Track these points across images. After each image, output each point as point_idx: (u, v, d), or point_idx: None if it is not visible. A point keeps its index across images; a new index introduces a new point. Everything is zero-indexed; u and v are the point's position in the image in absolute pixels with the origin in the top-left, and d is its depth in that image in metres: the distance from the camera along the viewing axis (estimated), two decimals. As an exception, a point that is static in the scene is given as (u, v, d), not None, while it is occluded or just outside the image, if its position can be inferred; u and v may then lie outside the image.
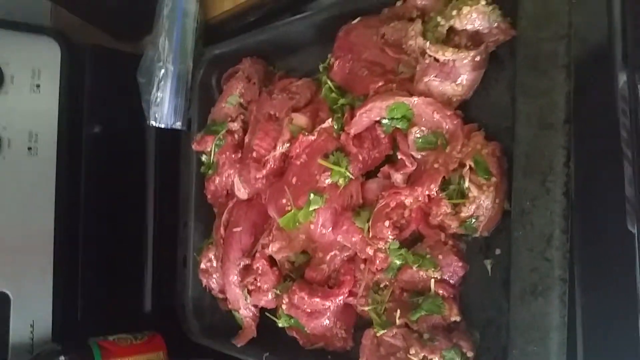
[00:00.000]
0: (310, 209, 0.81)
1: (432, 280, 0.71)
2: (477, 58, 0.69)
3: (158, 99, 1.03)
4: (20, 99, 1.06)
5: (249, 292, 0.91)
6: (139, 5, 1.13)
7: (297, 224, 0.84)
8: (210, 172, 1.01)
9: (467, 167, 0.68)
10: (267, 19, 1.02)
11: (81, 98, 1.14)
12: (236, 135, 0.98)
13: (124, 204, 1.17)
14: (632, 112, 0.69)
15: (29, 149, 1.07)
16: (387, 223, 0.75)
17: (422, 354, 0.68)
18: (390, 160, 0.80)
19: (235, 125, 0.97)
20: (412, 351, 0.69)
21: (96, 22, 1.25)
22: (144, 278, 1.17)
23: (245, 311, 0.93)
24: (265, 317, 0.93)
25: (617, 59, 0.68)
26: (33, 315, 1.04)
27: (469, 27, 0.69)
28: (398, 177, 0.76)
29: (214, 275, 0.99)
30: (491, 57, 0.71)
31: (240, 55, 1.01)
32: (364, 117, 0.77)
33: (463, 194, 0.69)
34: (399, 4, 0.78)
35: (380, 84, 0.76)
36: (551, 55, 0.61)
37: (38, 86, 1.08)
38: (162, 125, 1.04)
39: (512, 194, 0.64)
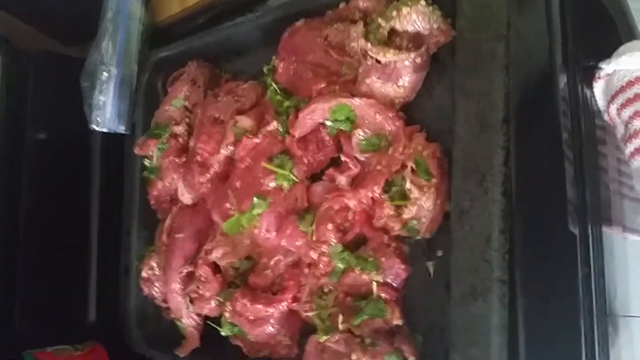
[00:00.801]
0: (254, 212, 0.80)
1: (374, 283, 0.70)
2: (418, 59, 0.68)
3: (101, 103, 1.00)
4: (-38, 105, 1.02)
5: (191, 300, 0.88)
6: (84, 7, 1.09)
7: (241, 228, 0.83)
8: (152, 176, 0.98)
9: (409, 168, 0.67)
10: (215, 22, 1.00)
11: (24, 104, 1.10)
12: (180, 139, 0.95)
13: (68, 211, 1.13)
14: (573, 113, 0.70)
15: (-30, 154, 1.02)
16: (330, 226, 0.73)
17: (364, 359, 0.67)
18: (336, 163, 0.79)
19: (179, 129, 0.95)
20: (354, 357, 0.68)
21: (41, 26, 1.21)
22: (88, 287, 1.13)
23: (187, 320, 0.91)
24: (209, 326, 0.90)
25: (557, 61, 0.70)
26: (-32, 326, 0.99)
27: (409, 28, 0.69)
28: (342, 180, 0.75)
29: (156, 284, 0.96)
30: (433, 59, 0.71)
31: (186, 58, 0.99)
32: (307, 119, 0.76)
33: (405, 196, 0.68)
34: (342, 5, 0.78)
35: (322, 85, 0.76)
36: (490, 56, 0.61)
37: (-21, 92, 1.04)
38: (105, 130, 1.01)
39: (452, 195, 0.63)
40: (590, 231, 0.67)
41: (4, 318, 1.04)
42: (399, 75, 0.69)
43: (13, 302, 1.06)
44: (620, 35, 0.76)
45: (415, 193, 0.66)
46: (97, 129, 1.01)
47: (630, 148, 0.68)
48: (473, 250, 0.60)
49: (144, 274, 0.97)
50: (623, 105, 0.68)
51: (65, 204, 1.12)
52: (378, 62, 0.70)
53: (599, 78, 0.70)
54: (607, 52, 0.69)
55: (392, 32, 0.70)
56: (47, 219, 1.11)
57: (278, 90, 0.82)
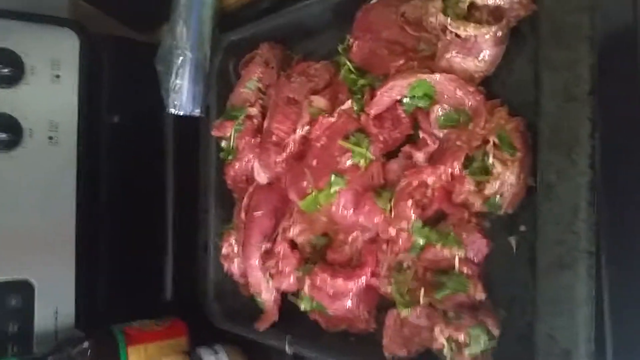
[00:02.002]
0: (332, 190, 0.81)
1: (457, 258, 0.70)
2: (499, 33, 0.68)
3: (177, 87, 1.03)
4: (41, 90, 1.07)
5: (271, 275, 0.91)
6: (153, -4, 1.13)
7: (318, 206, 0.84)
8: (230, 157, 1.01)
9: (491, 143, 0.67)
10: (283, 5, 1.01)
11: (100, 88, 1.16)
12: (255, 120, 0.98)
13: (144, 192, 1.18)
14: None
15: (50, 138, 1.08)
16: (409, 202, 0.74)
17: (447, 333, 0.68)
18: (411, 140, 0.79)
19: (254, 110, 0.97)
20: (437, 329, 0.68)
21: (113, 13, 1.26)
22: (165, 265, 1.19)
23: (267, 295, 0.94)
24: (286, 301, 0.93)
25: (643, 31, 0.68)
26: (56, 303, 1.06)
27: (490, 2, 0.68)
28: (420, 156, 0.76)
29: (235, 260, 0.99)
30: (512, 32, 0.70)
31: (257, 40, 1.01)
32: (385, 96, 0.77)
33: (487, 171, 0.68)
34: (418, -18, 0.77)
35: (401, 62, 0.76)
36: (574, 27, 0.60)
37: (58, 77, 1.09)
38: (181, 113, 1.05)
39: (538, 167, 0.63)
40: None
41: (90, 296, 1.10)
42: (480, 49, 0.69)
43: (97, 280, 1.12)
44: None
45: (498, 168, 0.66)
46: (174, 112, 1.04)
47: None
48: (560, 222, 0.60)
49: (224, 251, 1.00)
50: None
51: (142, 186, 1.18)
52: (458, 36, 0.69)
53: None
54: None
55: (471, 6, 0.70)
56: (125, 199, 1.16)
57: (352, 69, 0.83)
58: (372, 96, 0.79)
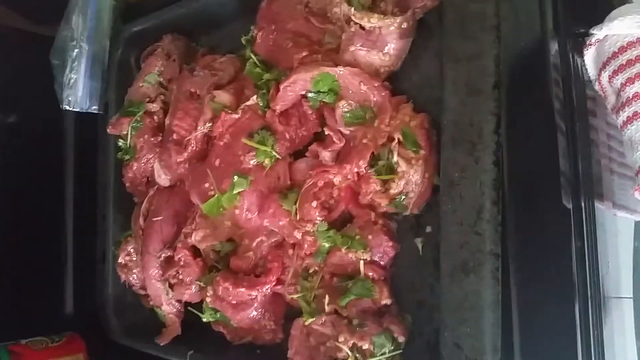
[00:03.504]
0: (235, 192, 0.76)
1: (362, 262, 0.66)
2: (404, 25, 0.65)
3: (72, 81, 0.95)
4: None
5: (171, 286, 0.85)
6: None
7: (221, 209, 0.79)
8: (127, 157, 0.94)
9: (396, 140, 0.64)
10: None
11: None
12: (156, 117, 0.91)
13: (41, 198, 1.08)
14: (565, 82, 0.67)
15: None
16: (314, 203, 0.70)
17: (352, 341, 0.64)
18: (319, 139, 0.75)
19: (154, 106, 0.91)
20: (342, 338, 0.65)
21: (8, 2, 1.16)
22: (64, 276, 1.09)
23: (167, 307, 0.87)
24: (191, 312, 0.87)
25: (548, 28, 0.66)
26: None
27: (395, -9, 0.65)
28: (326, 155, 0.72)
29: (134, 270, 0.92)
30: (419, 26, 0.67)
31: (160, 32, 0.94)
32: (288, 91, 0.72)
33: (392, 170, 0.65)
34: (323, -29, 0.74)
35: (304, 54, 0.72)
36: (479, 17, 0.58)
37: (-61, 73, 0.98)
38: (77, 109, 0.97)
39: (441, 165, 0.60)
40: (583, 204, 0.65)
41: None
42: (384, 42, 0.66)
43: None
44: (612, 0, 0.73)
45: (402, 166, 0.63)
46: (68, 108, 0.96)
47: (622, 117, 0.65)
48: (464, 223, 0.57)
49: (120, 260, 0.93)
50: (615, 72, 0.65)
51: (38, 190, 1.08)
52: (362, 28, 0.66)
53: (589, 45, 0.67)
54: (599, 18, 0.66)
55: (376, -4, 0.67)
56: (20, 205, 1.06)
57: (257, 63, 0.78)
58: (278, 91, 0.74)
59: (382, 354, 0.63)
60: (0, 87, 1.06)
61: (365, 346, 0.63)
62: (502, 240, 0.57)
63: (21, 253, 1.06)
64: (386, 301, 0.66)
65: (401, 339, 0.64)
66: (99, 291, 1.01)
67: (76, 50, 0.95)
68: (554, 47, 0.66)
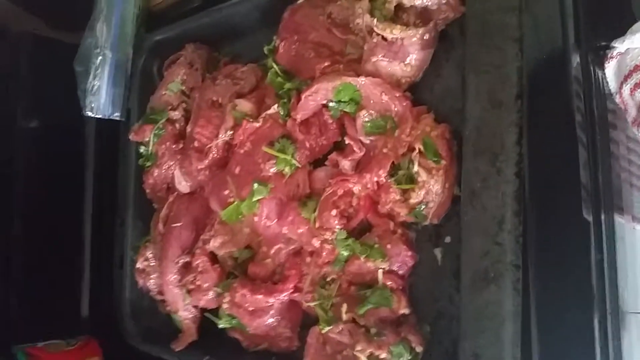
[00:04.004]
0: (254, 199, 0.77)
1: (380, 271, 0.67)
2: (426, 36, 0.65)
3: (95, 88, 0.97)
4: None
5: (189, 291, 0.85)
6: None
7: (240, 216, 0.80)
8: (148, 164, 0.95)
9: (416, 150, 0.64)
10: (211, 4, 0.97)
11: (16, 91, 1.07)
12: (177, 125, 0.92)
13: (61, 202, 1.10)
14: (586, 95, 0.67)
15: (-43, 144, 0.99)
16: (334, 212, 0.71)
17: (369, 350, 0.64)
18: (339, 147, 0.76)
19: (176, 114, 0.92)
20: (359, 347, 0.65)
21: (34, 10, 1.18)
22: (81, 280, 1.10)
23: (184, 312, 0.87)
24: (207, 318, 0.87)
25: (570, 40, 0.67)
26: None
27: (417, 3, 0.66)
28: (346, 164, 0.72)
29: (152, 276, 0.93)
30: (441, 37, 0.68)
31: (183, 41, 0.96)
32: (309, 100, 0.73)
33: (412, 180, 0.65)
34: (346, -18, 0.74)
35: (326, 64, 0.73)
36: (501, 28, 0.58)
37: (-33, 79, 1.01)
38: (99, 116, 0.98)
39: (462, 175, 0.60)
40: (603, 217, 0.65)
41: (-3, 312, 1.01)
42: (406, 53, 0.66)
43: (5, 296, 1.03)
44: (635, 13, 0.73)
45: (423, 176, 0.63)
46: (91, 115, 0.98)
47: (643, 130, 0.65)
48: (485, 233, 0.57)
49: (138, 265, 0.94)
50: (636, 85, 0.65)
51: (58, 194, 1.09)
52: (384, 39, 0.67)
53: (611, 57, 0.67)
54: (621, 31, 0.66)
55: (399, 7, 0.68)
56: (40, 210, 1.08)
57: (279, 72, 0.79)
58: (299, 100, 0.75)
59: (399, 364, 0.63)
60: (24, 93, 1.09)
61: (383, 355, 0.63)
62: (523, 251, 0.57)
63: (39, 257, 1.07)
64: (404, 311, 0.65)
65: (419, 349, 0.64)
66: (116, 295, 1.02)
67: (100, 57, 0.96)
68: (575, 59, 0.67)
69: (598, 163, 0.65)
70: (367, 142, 0.71)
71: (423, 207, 0.65)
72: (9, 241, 1.04)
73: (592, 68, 0.66)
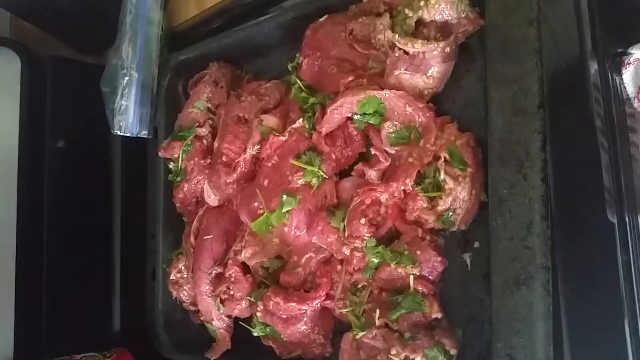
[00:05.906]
0: (283, 210, 0.79)
1: (411, 276, 0.69)
2: (447, 49, 0.68)
3: (122, 107, 1.00)
4: (-24, 115, 1.02)
5: (222, 301, 0.88)
6: (102, 16, 1.09)
7: (270, 227, 0.82)
8: (178, 179, 0.98)
9: (442, 159, 0.67)
10: (233, 24, 1.00)
11: (43, 112, 1.10)
12: (205, 141, 0.95)
13: (90, 219, 1.12)
14: (605, 100, 0.69)
15: (-14, 169, 1.02)
16: (363, 220, 0.73)
17: (404, 354, 0.66)
18: (364, 158, 0.78)
19: (203, 131, 0.95)
20: (394, 351, 0.66)
21: (58, 34, 1.22)
22: (112, 294, 1.13)
23: (218, 322, 0.90)
24: (240, 327, 0.89)
25: (587, 48, 0.69)
26: (-7, 336, 0.99)
27: (437, 17, 0.68)
28: (372, 174, 0.74)
29: (185, 287, 0.95)
30: (461, 49, 0.70)
31: (206, 60, 0.99)
32: (335, 114, 0.76)
33: (439, 187, 0.67)
34: (365, -1, 0.77)
35: (350, 79, 0.75)
36: (521, 40, 0.61)
37: (-3, 99, 1.04)
38: (128, 134, 1.01)
39: (489, 183, 0.62)
40: (627, 219, 0.66)
41: (31, 327, 1.03)
42: (428, 65, 0.69)
43: (39, 311, 1.05)
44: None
45: (450, 184, 0.65)
46: (119, 133, 1.00)
47: (661, 134, 0.67)
48: (514, 238, 0.60)
49: (172, 277, 0.96)
50: (654, 90, 0.67)
51: (87, 212, 1.12)
52: (406, 53, 0.69)
53: (628, 64, 0.69)
54: (637, 38, 0.68)
55: (419, 22, 0.70)
56: (70, 227, 1.10)
57: (303, 88, 0.82)
58: (323, 114, 0.78)
59: (434, 366, 0.65)
60: (53, 114, 1.12)
61: (418, 359, 0.65)
62: (551, 253, 0.59)
63: (72, 273, 1.10)
64: (437, 315, 0.67)
65: (453, 352, 0.65)
66: (149, 308, 1.04)
67: (127, 78, 0.99)
68: (593, 67, 0.68)
69: (619, 166, 0.67)
70: (392, 152, 0.73)
71: (450, 213, 0.67)
72: (40, 258, 1.06)
73: (609, 74, 0.68)
